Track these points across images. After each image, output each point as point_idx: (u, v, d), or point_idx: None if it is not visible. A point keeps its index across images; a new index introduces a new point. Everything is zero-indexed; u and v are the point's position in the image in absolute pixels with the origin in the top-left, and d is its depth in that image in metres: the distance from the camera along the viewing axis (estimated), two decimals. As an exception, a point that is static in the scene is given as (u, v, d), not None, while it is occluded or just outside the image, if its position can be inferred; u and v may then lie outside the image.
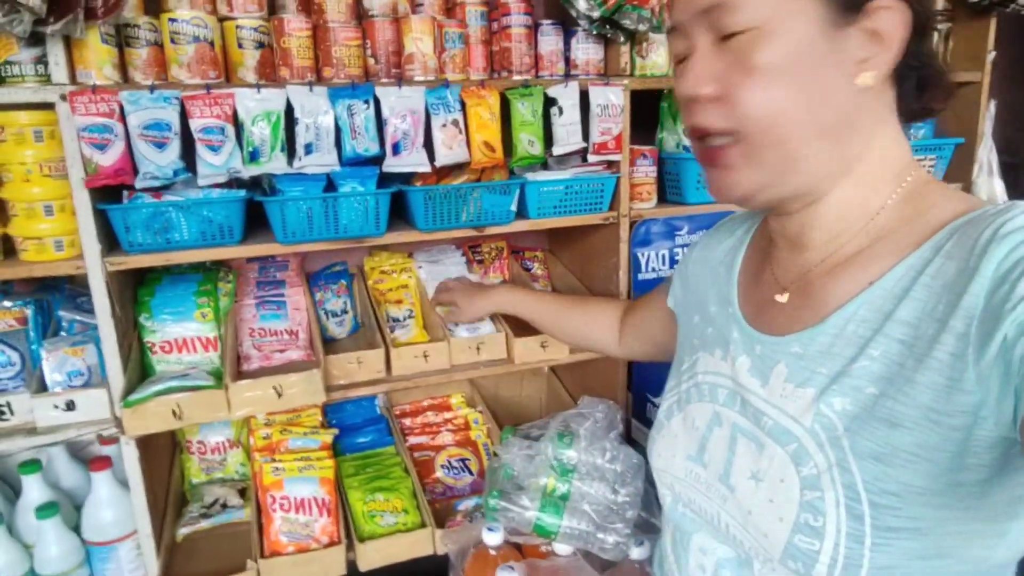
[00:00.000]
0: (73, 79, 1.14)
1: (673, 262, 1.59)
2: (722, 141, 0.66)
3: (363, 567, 1.39)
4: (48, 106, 1.13)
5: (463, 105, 1.33)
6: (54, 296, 1.42)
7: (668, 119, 1.62)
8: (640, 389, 1.57)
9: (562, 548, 1.28)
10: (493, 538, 1.26)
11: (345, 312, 1.66)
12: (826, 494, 0.61)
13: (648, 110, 1.62)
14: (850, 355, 0.62)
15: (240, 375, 1.36)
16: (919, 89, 0.67)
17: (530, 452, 1.32)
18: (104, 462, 1.36)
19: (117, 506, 1.37)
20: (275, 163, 1.23)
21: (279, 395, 1.25)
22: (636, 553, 1.25)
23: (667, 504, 0.83)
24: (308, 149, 1.24)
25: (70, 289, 1.45)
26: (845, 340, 0.63)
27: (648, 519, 1.34)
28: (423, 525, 1.44)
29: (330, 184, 1.30)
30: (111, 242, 1.24)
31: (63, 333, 1.37)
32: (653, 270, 1.58)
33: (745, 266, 0.83)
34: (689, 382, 0.82)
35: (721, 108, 0.65)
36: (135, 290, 1.42)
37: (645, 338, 1.18)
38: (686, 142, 1.61)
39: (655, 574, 0.90)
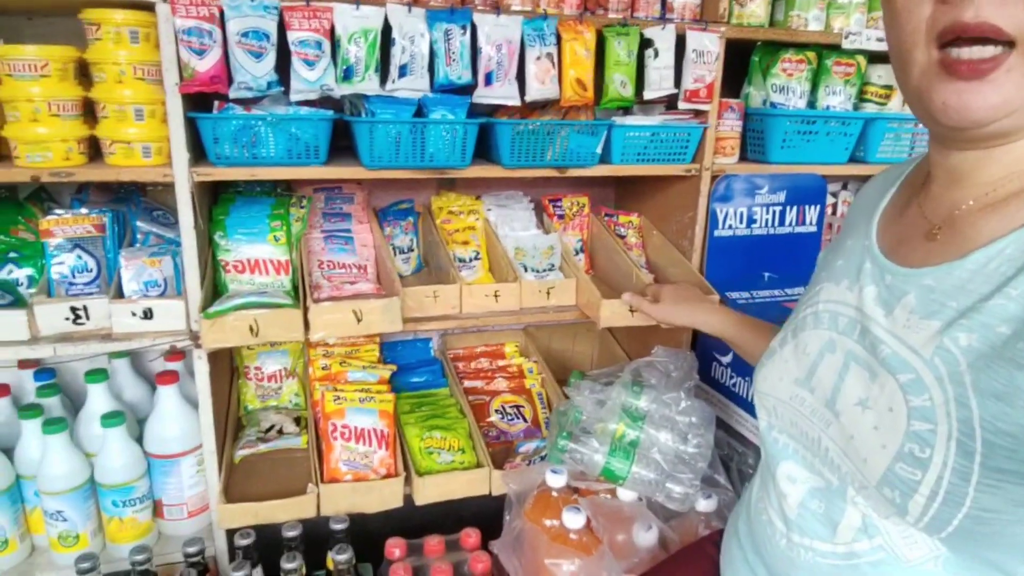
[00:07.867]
0: (174, -21, 1.11)
1: (751, 221, 1.56)
2: (993, 51, 0.57)
3: (419, 501, 1.39)
4: (147, 6, 1.11)
5: (559, 39, 1.30)
6: (129, 207, 1.41)
7: (757, 73, 1.57)
8: (706, 348, 1.54)
9: (625, 495, 1.27)
10: (557, 480, 1.25)
11: (411, 249, 1.65)
12: (939, 427, 0.59)
13: (735, 62, 1.56)
14: (985, 292, 0.60)
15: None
16: None
17: (601, 397, 1.31)
18: (172, 376, 1.36)
19: (181, 421, 1.37)
20: (368, 83, 1.21)
21: (358, 320, 1.24)
22: (703, 505, 1.24)
23: (762, 428, 0.83)
24: (402, 71, 1.21)
25: (145, 202, 1.45)
26: (984, 277, 0.61)
27: (712, 475, 1.33)
28: (479, 465, 1.44)
29: (418, 111, 1.27)
30: (197, 153, 1.22)
31: (138, 244, 1.36)
32: (730, 227, 1.54)
33: (891, 204, 0.80)
34: (808, 310, 0.81)
35: (1017, 3, 0.54)
36: (210, 208, 1.41)
37: None
38: (772, 99, 1.56)
39: (739, 531, 0.89)
